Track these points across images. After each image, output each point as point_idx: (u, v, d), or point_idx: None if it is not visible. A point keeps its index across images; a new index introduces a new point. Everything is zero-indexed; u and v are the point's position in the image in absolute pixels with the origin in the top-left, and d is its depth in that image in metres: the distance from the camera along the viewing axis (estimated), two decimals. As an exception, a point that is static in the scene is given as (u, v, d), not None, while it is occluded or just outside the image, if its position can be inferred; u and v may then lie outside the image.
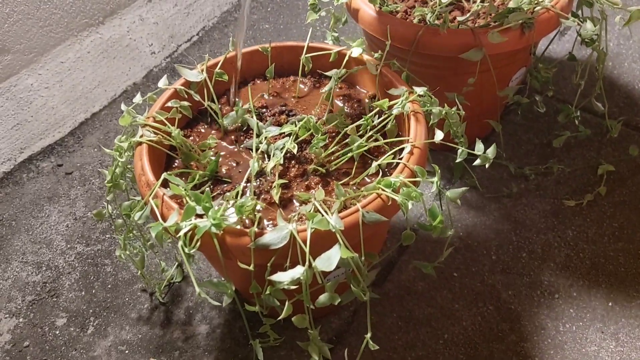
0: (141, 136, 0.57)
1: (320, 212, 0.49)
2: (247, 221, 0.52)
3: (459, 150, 0.58)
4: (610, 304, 0.69)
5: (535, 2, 0.71)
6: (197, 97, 0.63)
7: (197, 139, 0.63)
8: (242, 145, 0.62)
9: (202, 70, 0.64)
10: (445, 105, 0.60)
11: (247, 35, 1.09)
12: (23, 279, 0.75)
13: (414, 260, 0.73)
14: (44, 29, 0.89)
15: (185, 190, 0.51)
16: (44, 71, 0.91)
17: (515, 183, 0.82)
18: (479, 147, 0.57)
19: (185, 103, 0.60)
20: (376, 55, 0.66)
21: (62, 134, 0.93)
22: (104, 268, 0.75)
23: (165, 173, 0.53)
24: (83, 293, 0.73)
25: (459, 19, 0.75)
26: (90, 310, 0.71)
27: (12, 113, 0.88)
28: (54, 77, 0.92)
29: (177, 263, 0.74)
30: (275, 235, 0.47)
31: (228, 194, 0.53)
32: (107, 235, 0.79)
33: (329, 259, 0.46)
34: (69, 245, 0.78)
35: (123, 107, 0.61)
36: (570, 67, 0.96)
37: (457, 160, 0.58)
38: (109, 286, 0.73)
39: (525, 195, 0.81)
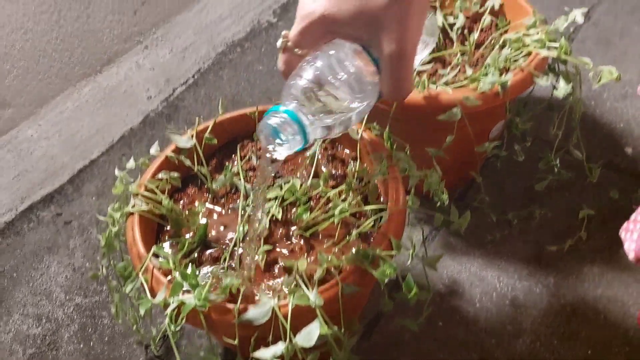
0: (133, 206, 0.60)
1: (301, 287, 0.52)
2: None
3: (436, 216, 0.61)
4: (589, 352, 0.71)
5: (513, 59, 0.74)
6: (187, 163, 0.66)
7: (188, 202, 0.66)
8: (230, 206, 0.65)
9: (192, 136, 0.67)
10: (424, 169, 0.63)
11: (240, 77, 1.12)
12: (24, 332, 0.78)
13: (400, 312, 0.76)
14: (44, 82, 0.92)
15: (173, 264, 0.54)
16: (43, 122, 0.94)
17: (498, 229, 0.84)
18: (454, 212, 0.60)
19: (175, 174, 0.63)
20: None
21: (61, 182, 0.96)
22: (101, 320, 0.78)
23: (154, 246, 0.56)
24: (81, 346, 0.76)
25: (441, 71, 0.78)
26: (89, 362, 0.74)
27: (13, 164, 0.91)
28: (53, 127, 0.95)
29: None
30: (257, 311, 0.50)
31: (214, 269, 0.56)
32: (104, 287, 0.82)
33: (309, 335, 0.48)
34: (67, 297, 0.81)
35: (117, 172, 0.64)
36: (552, 108, 0.98)
37: (436, 225, 0.60)
38: (106, 339, 0.76)
39: (508, 241, 0.83)
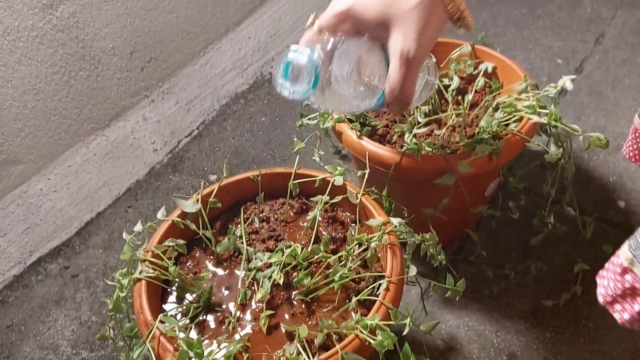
0: (140, 272, 0.62)
1: (302, 355, 0.54)
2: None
3: (431, 284, 0.63)
4: (585, 409, 0.72)
5: (504, 123, 0.77)
6: (192, 227, 0.68)
7: (193, 265, 0.68)
8: (235, 269, 0.67)
9: (197, 200, 0.69)
10: (421, 234, 0.65)
11: (244, 128, 1.16)
12: (31, 387, 0.80)
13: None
14: (53, 138, 0.95)
15: (179, 332, 0.56)
16: (52, 176, 0.97)
17: (495, 283, 0.86)
18: (450, 280, 0.62)
19: (181, 241, 0.65)
20: (359, 173, 0.72)
21: (68, 234, 0.99)
22: (107, 375, 0.80)
23: (161, 315, 0.58)
24: (87, 402, 0.77)
25: (437, 132, 0.81)
26: (94, 419, 0.75)
27: (22, 218, 0.94)
28: (62, 180, 0.98)
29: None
30: (260, 381, 0.52)
31: (220, 338, 0.58)
32: (109, 341, 0.84)
33: (310, 405, 0.50)
34: (74, 351, 0.83)
35: (125, 235, 0.67)
36: (546, 166, 1.01)
37: (430, 293, 0.63)
38: (112, 395, 0.78)
39: (505, 295, 0.85)
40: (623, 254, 0.50)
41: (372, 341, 0.53)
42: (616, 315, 0.51)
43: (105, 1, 0.94)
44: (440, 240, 0.92)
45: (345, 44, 0.54)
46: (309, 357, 0.54)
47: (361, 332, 0.55)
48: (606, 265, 0.53)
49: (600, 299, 0.52)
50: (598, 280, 0.53)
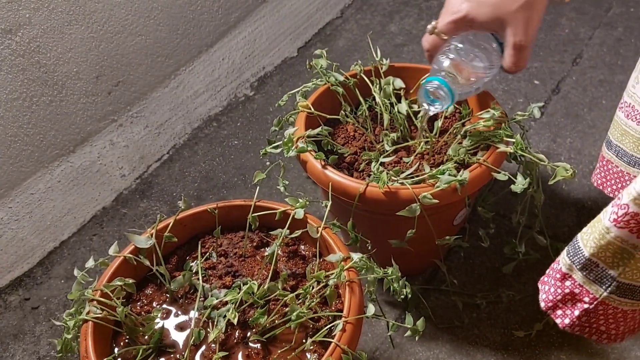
0: (87, 313, 0.60)
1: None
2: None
3: (390, 324, 0.61)
4: None
5: (471, 152, 0.75)
6: (146, 263, 0.66)
7: (146, 303, 0.66)
8: (189, 307, 0.65)
9: (152, 235, 0.67)
10: (385, 268, 0.63)
11: (215, 152, 1.14)
12: None
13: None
14: (15, 165, 0.93)
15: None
16: (14, 204, 0.94)
17: (467, 313, 0.84)
18: (409, 320, 0.60)
19: (130, 280, 0.63)
20: (323, 204, 0.70)
21: (30, 264, 0.96)
22: (62, 415, 0.76)
23: (106, 359, 0.55)
24: None
25: (405, 159, 0.79)
26: None
27: (-19, 248, 0.91)
28: (24, 208, 0.95)
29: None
30: None
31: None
32: (67, 378, 0.80)
33: None
34: (30, 389, 0.80)
35: (76, 272, 0.64)
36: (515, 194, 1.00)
37: (388, 334, 0.60)
38: None
39: (477, 326, 0.83)
40: (562, 261, 0.49)
41: (323, 389, 0.51)
42: (558, 321, 0.51)
43: (69, 24, 0.92)
44: (411, 269, 0.91)
45: (467, 40, 0.69)
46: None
47: (313, 378, 0.52)
48: (547, 271, 0.52)
49: (542, 305, 0.52)
50: (540, 286, 0.53)
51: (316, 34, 1.39)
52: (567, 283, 0.49)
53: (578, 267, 0.47)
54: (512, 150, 0.72)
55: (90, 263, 0.66)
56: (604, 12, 1.40)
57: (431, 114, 0.73)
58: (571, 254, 0.48)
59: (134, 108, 1.08)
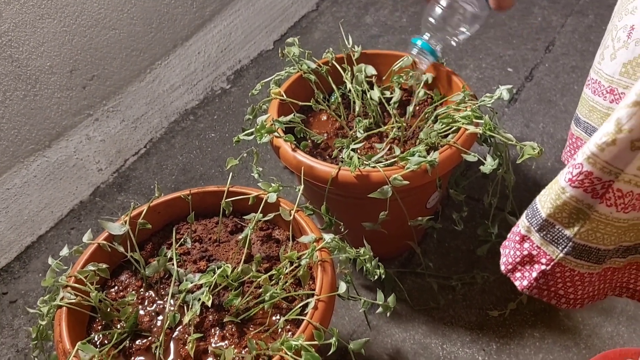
0: (61, 299, 0.60)
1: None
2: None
3: (362, 301, 0.62)
4: (530, 421, 0.71)
5: (442, 134, 0.76)
6: (120, 249, 0.66)
7: (121, 289, 0.66)
8: (164, 292, 0.65)
9: (125, 222, 0.67)
10: (354, 248, 0.64)
11: (193, 145, 1.14)
12: (-39, 422, 0.76)
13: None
14: (-11, 160, 0.92)
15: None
16: (-11, 199, 0.94)
17: (442, 294, 0.85)
18: (380, 296, 0.61)
19: (104, 265, 0.63)
20: (298, 188, 0.71)
21: (7, 259, 0.95)
22: (41, 406, 0.77)
23: (79, 343, 0.56)
24: None
25: (377, 145, 0.80)
26: None
27: (-43, 244, 0.91)
28: (0, 204, 0.95)
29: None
30: (177, 411, 0.50)
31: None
32: (46, 370, 0.80)
33: None
34: (8, 382, 0.80)
35: (50, 260, 0.64)
36: (487, 175, 1.01)
37: (360, 310, 0.61)
38: None
39: (452, 307, 0.84)
40: (521, 223, 0.50)
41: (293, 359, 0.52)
42: (517, 283, 0.52)
43: (41, 18, 0.92)
44: (387, 252, 0.92)
45: None
46: (230, 383, 0.52)
47: (286, 353, 0.53)
48: (508, 235, 0.54)
49: (503, 268, 0.53)
50: (501, 250, 0.55)
51: (292, 27, 1.40)
52: (526, 245, 0.50)
53: (536, 228, 0.49)
54: (481, 131, 0.73)
55: (64, 251, 0.66)
56: (575, 0, 1.42)
57: (424, 68, 0.82)
58: (529, 215, 0.49)
59: (110, 102, 1.08)
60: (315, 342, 0.54)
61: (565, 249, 0.47)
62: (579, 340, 0.79)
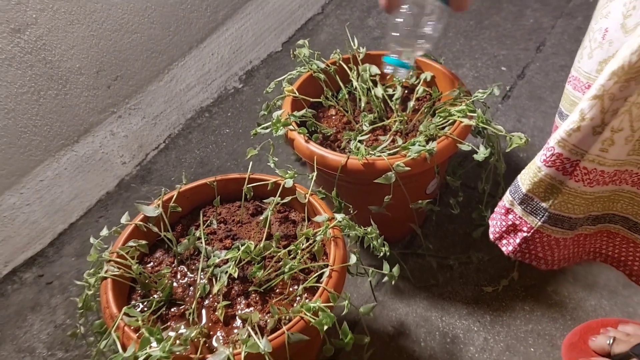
0: (106, 271, 0.68)
1: (253, 337, 0.60)
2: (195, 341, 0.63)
3: (370, 271, 0.70)
4: (520, 382, 0.80)
5: (440, 127, 0.85)
6: (154, 229, 0.74)
7: (156, 264, 0.74)
8: (194, 267, 0.74)
9: (159, 205, 0.76)
10: (363, 227, 0.72)
11: (208, 140, 1.22)
12: (9, 388, 0.84)
13: (353, 356, 0.84)
14: (25, 154, 1.01)
15: (142, 321, 0.62)
16: (25, 190, 1.02)
17: (441, 273, 0.94)
18: (386, 267, 0.69)
19: (143, 242, 0.72)
20: (310, 176, 0.80)
21: (42, 245, 1.04)
22: (80, 374, 0.85)
23: (125, 307, 0.64)
24: (62, 399, 0.82)
25: (382, 138, 0.89)
26: (69, 414, 0.80)
27: (-3, 231, 0.99)
28: (35, 194, 1.03)
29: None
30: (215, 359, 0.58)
31: (179, 325, 0.64)
32: (83, 342, 0.89)
33: (259, 379, 0.57)
34: (50, 353, 0.88)
35: (92, 239, 0.73)
36: (481, 164, 1.10)
37: (369, 280, 0.70)
38: (85, 391, 0.83)
39: (450, 284, 0.93)
40: (506, 198, 0.59)
41: (313, 320, 0.60)
42: (503, 249, 0.61)
43: (71, 24, 1.00)
44: (391, 236, 1.00)
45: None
46: (258, 339, 0.60)
47: (305, 314, 0.62)
48: (495, 209, 0.62)
49: (491, 236, 0.62)
50: (490, 222, 0.63)
51: (299, 29, 1.48)
52: (510, 216, 0.59)
53: (518, 202, 0.57)
54: (474, 124, 0.81)
55: (104, 232, 0.74)
56: (565, 2, 1.51)
57: (402, 78, 0.89)
58: (512, 191, 0.58)
59: (132, 101, 1.16)
60: (331, 304, 0.63)
61: (543, 218, 0.56)
62: (565, 312, 0.87)
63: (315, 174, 0.78)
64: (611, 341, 0.77)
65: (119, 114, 1.15)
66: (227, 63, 1.34)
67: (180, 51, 1.23)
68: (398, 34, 0.78)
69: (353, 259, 0.68)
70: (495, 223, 0.61)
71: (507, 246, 0.60)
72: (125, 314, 0.64)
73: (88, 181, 1.10)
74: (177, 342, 0.60)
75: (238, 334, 0.63)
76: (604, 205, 0.56)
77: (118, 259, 0.70)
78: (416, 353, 0.84)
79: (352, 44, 0.96)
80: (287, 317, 0.64)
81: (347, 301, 0.64)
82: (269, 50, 1.43)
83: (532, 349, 0.83)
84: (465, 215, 1.01)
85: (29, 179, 1.02)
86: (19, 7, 0.92)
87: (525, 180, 0.56)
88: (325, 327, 0.60)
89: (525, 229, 0.58)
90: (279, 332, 0.61)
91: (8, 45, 0.93)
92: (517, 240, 0.59)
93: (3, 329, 0.92)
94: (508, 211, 0.59)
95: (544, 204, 0.55)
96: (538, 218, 0.56)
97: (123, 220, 0.75)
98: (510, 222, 0.59)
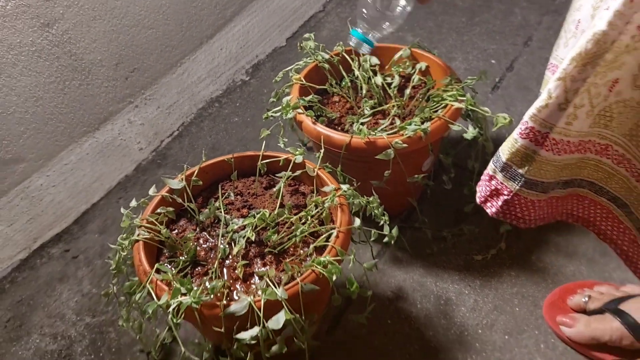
0: (138, 235, 0.77)
1: (270, 286, 0.69)
2: (219, 294, 0.72)
3: (372, 232, 0.79)
4: (506, 337, 0.89)
5: (434, 110, 0.94)
6: (179, 200, 0.83)
7: (181, 231, 0.83)
8: (215, 233, 0.82)
9: (182, 179, 0.84)
10: (366, 197, 0.81)
11: (219, 127, 1.31)
12: (42, 349, 0.93)
13: (356, 312, 0.93)
14: (51, 140, 1.09)
15: (172, 276, 0.71)
16: (51, 172, 1.11)
17: (436, 244, 1.03)
18: (386, 229, 0.78)
19: (171, 209, 0.80)
20: (317, 155, 0.88)
21: (67, 223, 1.12)
22: (108, 335, 0.93)
23: (157, 264, 0.73)
24: (93, 357, 0.91)
25: (381, 121, 0.98)
26: (100, 370, 0.89)
27: (26, 210, 1.07)
28: (60, 176, 1.12)
29: (167, 327, 0.92)
30: (238, 306, 0.67)
31: (204, 278, 0.73)
32: (109, 308, 0.97)
33: (277, 320, 0.65)
34: (78, 318, 0.97)
35: (122, 210, 0.81)
36: (471, 144, 1.19)
37: (371, 239, 0.79)
38: (114, 349, 0.91)
39: (444, 253, 1.02)
40: (489, 167, 0.68)
41: (323, 271, 0.69)
42: (488, 210, 0.70)
43: (94, 19, 1.09)
44: (390, 210, 1.09)
45: None
46: (275, 288, 0.69)
47: (316, 267, 0.70)
48: (481, 177, 0.71)
49: (478, 200, 0.71)
50: (477, 188, 0.72)
51: (302, 26, 1.57)
52: (493, 182, 0.68)
53: (499, 169, 0.66)
54: (463, 106, 0.90)
55: (133, 203, 0.83)
56: (551, 1, 1.61)
57: (365, 52, 0.92)
58: (494, 161, 0.67)
59: (148, 91, 1.25)
60: (339, 258, 0.71)
61: (520, 183, 0.65)
62: (547, 277, 0.96)
63: (322, 151, 0.87)
64: (587, 299, 0.86)
65: (136, 104, 1.23)
66: (235, 57, 1.43)
67: (191, 46, 1.32)
68: (366, 13, 0.85)
69: (357, 222, 0.77)
70: (481, 189, 0.70)
71: (491, 208, 0.69)
72: (157, 270, 0.73)
73: (108, 165, 1.19)
74: (205, 292, 0.69)
75: (257, 286, 0.72)
76: (572, 171, 0.66)
77: (148, 225, 0.79)
78: (413, 313, 0.93)
79: (353, 36, 1.05)
80: (300, 273, 0.73)
81: (352, 256, 0.72)
82: (274, 45, 1.52)
83: (517, 309, 0.92)
84: (458, 192, 1.10)
85: (55, 162, 1.11)
86: (48, 4, 1.01)
87: (505, 150, 0.65)
88: (334, 277, 0.69)
89: (505, 192, 0.67)
90: (293, 282, 0.70)
91: (38, 39, 1.01)
92: (499, 203, 0.68)
93: (34, 297, 1.00)
94: (491, 178, 0.68)
95: (520, 171, 0.64)
96: (516, 183, 0.65)
97: (151, 192, 0.83)
98: (493, 187, 0.68)
